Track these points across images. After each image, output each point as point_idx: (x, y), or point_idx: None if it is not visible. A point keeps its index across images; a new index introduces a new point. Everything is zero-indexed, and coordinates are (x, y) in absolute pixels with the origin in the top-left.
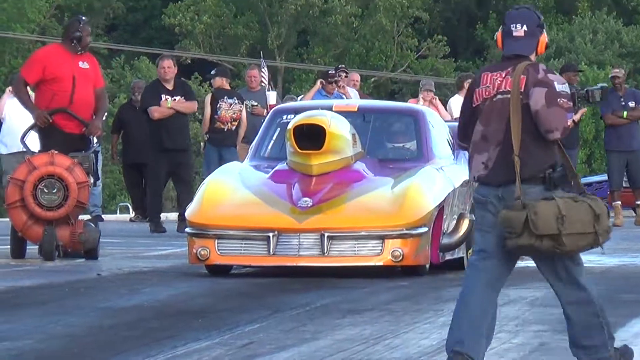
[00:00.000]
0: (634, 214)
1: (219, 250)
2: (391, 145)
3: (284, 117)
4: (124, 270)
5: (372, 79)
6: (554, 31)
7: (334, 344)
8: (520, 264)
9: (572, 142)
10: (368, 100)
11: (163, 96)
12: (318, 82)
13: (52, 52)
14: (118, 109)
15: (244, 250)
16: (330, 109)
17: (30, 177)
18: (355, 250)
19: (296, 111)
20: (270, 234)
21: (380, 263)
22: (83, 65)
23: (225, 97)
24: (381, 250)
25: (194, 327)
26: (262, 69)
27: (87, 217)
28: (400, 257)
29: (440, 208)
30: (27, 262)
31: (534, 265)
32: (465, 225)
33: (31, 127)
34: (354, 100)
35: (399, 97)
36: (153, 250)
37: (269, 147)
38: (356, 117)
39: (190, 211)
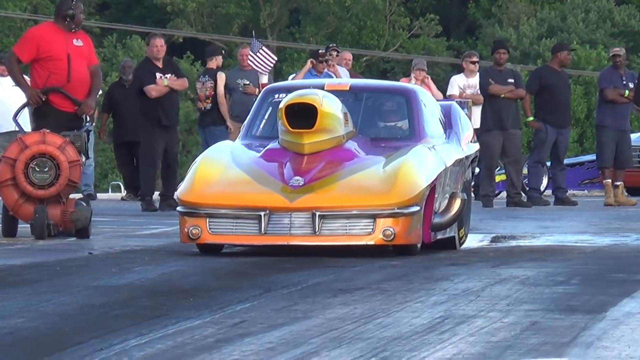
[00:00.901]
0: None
1: (210, 229)
2: (383, 124)
3: (276, 96)
4: (116, 249)
5: (364, 58)
6: (546, 10)
7: (325, 322)
8: (512, 242)
9: (564, 121)
10: (360, 80)
11: (157, 74)
12: (308, 62)
13: (46, 30)
14: (108, 88)
15: (236, 229)
16: (322, 88)
17: (22, 155)
18: (346, 230)
19: (288, 90)
20: (262, 213)
21: (372, 242)
22: (77, 43)
23: (200, 77)
24: (372, 229)
25: (185, 306)
26: (260, 51)
27: (79, 195)
28: (392, 236)
29: (432, 187)
30: (19, 240)
31: (525, 244)
32: (457, 204)
33: (24, 106)
34: (345, 79)
35: (390, 76)
36: (144, 229)
37: (261, 126)
38: (348, 96)
39: (181, 190)
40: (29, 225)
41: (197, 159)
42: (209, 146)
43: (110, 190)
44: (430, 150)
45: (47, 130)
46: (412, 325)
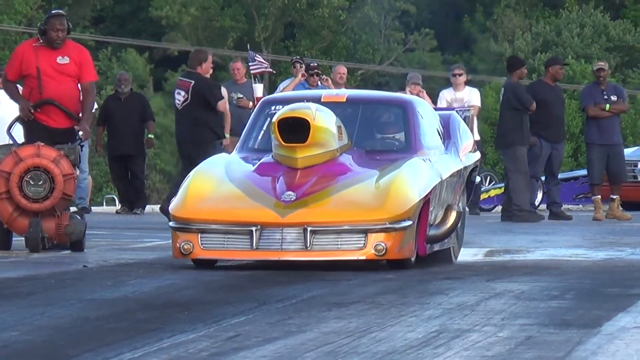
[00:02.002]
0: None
1: (202, 244)
2: (380, 136)
3: (273, 107)
4: (110, 262)
5: (359, 72)
6: (541, 25)
7: (320, 336)
8: (507, 257)
9: (559, 135)
10: (357, 91)
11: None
12: (300, 75)
13: (26, 48)
14: (104, 101)
15: (227, 244)
16: (319, 99)
17: (16, 169)
18: (338, 245)
19: (285, 102)
20: (253, 228)
21: (363, 257)
22: (62, 60)
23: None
24: (364, 244)
25: (180, 319)
26: (255, 59)
27: (73, 208)
28: (384, 251)
29: (426, 200)
30: (13, 253)
31: (520, 258)
32: (452, 217)
33: (16, 119)
34: (343, 90)
35: (385, 90)
36: (139, 242)
37: (258, 138)
38: (345, 108)
39: (174, 205)
40: (23, 239)
41: (191, 174)
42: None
43: (104, 203)
44: (425, 163)
45: (42, 144)
46: (406, 339)
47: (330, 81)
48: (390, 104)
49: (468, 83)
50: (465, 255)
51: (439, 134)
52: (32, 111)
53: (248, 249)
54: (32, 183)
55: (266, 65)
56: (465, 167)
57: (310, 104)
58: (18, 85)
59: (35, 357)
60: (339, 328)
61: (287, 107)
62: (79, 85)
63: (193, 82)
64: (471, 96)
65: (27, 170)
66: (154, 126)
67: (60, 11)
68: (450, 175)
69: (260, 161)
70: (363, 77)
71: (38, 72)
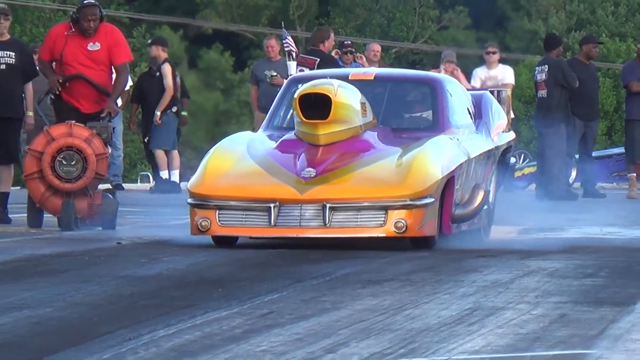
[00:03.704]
0: None
1: (219, 221)
2: (407, 115)
3: (300, 85)
4: (144, 239)
5: (394, 50)
6: (575, 3)
7: (354, 314)
8: (540, 235)
9: (592, 113)
10: (385, 69)
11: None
12: (333, 52)
13: (58, 32)
14: (138, 78)
15: (245, 221)
16: (346, 77)
17: (49, 148)
18: (357, 222)
19: (312, 79)
20: (272, 205)
21: (383, 234)
22: (93, 47)
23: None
24: (384, 221)
25: (213, 297)
26: (287, 38)
27: (107, 186)
28: (404, 229)
29: (451, 178)
30: (46, 231)
31: (554, 236)
32: (480, 196)
33: (47, 93)
34: (371, 68)
35: (419, 68)
36: (173, 219)
37: (285, 116)
38: (373, 86)
39: (192, 182)
40: (56, 218)
41: (210, 150)
42: None
43: (139, 180)
44: (452, 141)
45: (74, 122)
46: (440, 316)
47: (364, 59)
48: (419, 82)
49: (502, 61)
50: (499, 233)
51: (470, 114)
52: (60, 81)
53: (266, 225)
54: (64, 163)
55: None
56: (497, 147)
57: (333, 80)
58: (53, 63)
59: (69, 333)
60: (373, 305)
61: (309, 84)
62: (112, 68)
63: (318, 59)
64: (505, 74)
65: (59, 150)
66: (187, 103)
67: (93, 1)
68: (480, 155)
69: (283, 138)
70: (397, 55)
71: (66, 60)
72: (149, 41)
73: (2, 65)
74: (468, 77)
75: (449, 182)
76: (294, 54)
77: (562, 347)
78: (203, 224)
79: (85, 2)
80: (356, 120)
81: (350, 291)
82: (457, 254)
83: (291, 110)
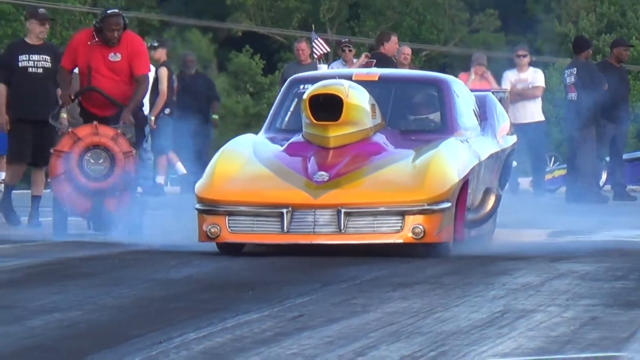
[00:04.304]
0: None
1: (229, 227)
2: (414, 116)
3: (301, 86)
4: (174, 242)
5: (424, 53)
6: (606, 5)
7: (384, 317)
8: (570, 237)
9: (622, 116)
10: (390, 70)
11: None
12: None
13: (80, 41)
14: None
15: (256, 227)
16: (350, 78)
17: (76, 148)
18: (373, 227)
19: (314, 80)
20: (284, 210)
21: (400, 240)
22: (114, 57)
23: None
24: (401, 227)
25: (243, 300)
26: (316, 40)
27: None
28: (422, 234)
29: (465, 182)
30: (74, 234)
31: (584, 239)
32: (492, 200)
33: (61, 107)
34: (374, 69)
35: (449, 70)
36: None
37: (286, 118)
38: (377, 87)
39: (199, 186)
40: (84, 219)
41: (217, 154)
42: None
43: (169, 183)
44: (463, 144)
45: (98, 122)
46: (470, 319)
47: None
48: (425, 82)
49: (532, 64)
50: (529, 236)
51: (475, 115)
52: (72, 97)
53: (279, 232)
54: (92, 161)
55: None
56: (503, 150)
57: (343, 81)
58: (75, 71)
59: (99, 336)
60: (403, 308)
61: (318, 84)
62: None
63: (375, 60)
64: (535, 77)
65: (86, 149)
66: (218, 106)
67: (116, 10)
68: (488, 158)
69: (290, 141)
70: (427, 58)
71: (88, 70)
72: (155, 43)
73: (39, 69)
74: (498, 80)
75: (463, 186)
76: (318, 56)
77: (593, 349)
78: (212, 230)
79: (108, 11)
80: (366, 122)
81: (379, 294)
82: (485, 256)
83: (289, 112)
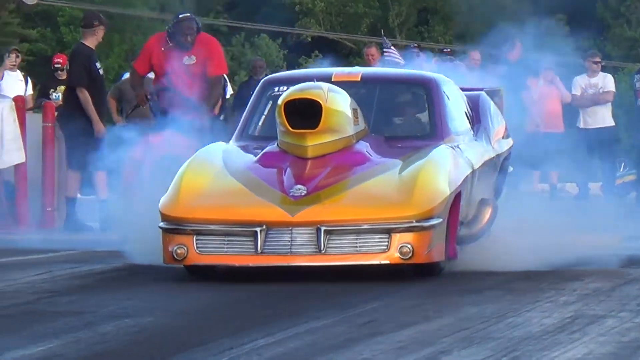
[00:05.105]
0: None
1: (197, 248)
2: (400, 121)
3: (276, 89)
4: None
5: None
6: None
7: (456, 322)
8: (637, 243)
9: None
10: (373, 69)
11: None
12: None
13: (154, 46)
14: (238, 87)
15: (228, 248)
16: (329, 78)
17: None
18: (356, 247)
19: (289, 81)
20: (258, 229)
21: (387, 261)
22: (188, 60)
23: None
24: (387, 246)
25: (315, 306)
26: (390, 48)
27: None
28: (410, 254)
29: (457, 194)
30: None
31: None
32: (487, 212)
33: (134, 107)
34: (356, 68)
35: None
36: None
37: (259, 124)
38: (360, 88)
39: (164, 202)
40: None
41: (183, 165)
42: None
43: None
44: (455, 151)
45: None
46: (542, 325)
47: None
48: (412, 83)
49: (601, 69)
50: (600, 241)
51: (468, 118)
52: (147, 97)
53: (252, 253)
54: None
55: (398, 57)
56: (498, 155)
57: (322, 84)
58: (150, 75)
59: (170, 342)
60: (474, 314)
61: (294, 88)
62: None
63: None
64: (605, 82)
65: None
66: None
67: (188, 14)
68: (483, 165)
69: (264, 150)
70: None
71: (164, 74)
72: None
73: (101, 72)
74: (567, 86)
75: (455, 199)
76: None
77: None
78: (179, 251)
79: (180, 15)
80: (348, 129)
81: (450, 300)
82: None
83: (263, 117)
